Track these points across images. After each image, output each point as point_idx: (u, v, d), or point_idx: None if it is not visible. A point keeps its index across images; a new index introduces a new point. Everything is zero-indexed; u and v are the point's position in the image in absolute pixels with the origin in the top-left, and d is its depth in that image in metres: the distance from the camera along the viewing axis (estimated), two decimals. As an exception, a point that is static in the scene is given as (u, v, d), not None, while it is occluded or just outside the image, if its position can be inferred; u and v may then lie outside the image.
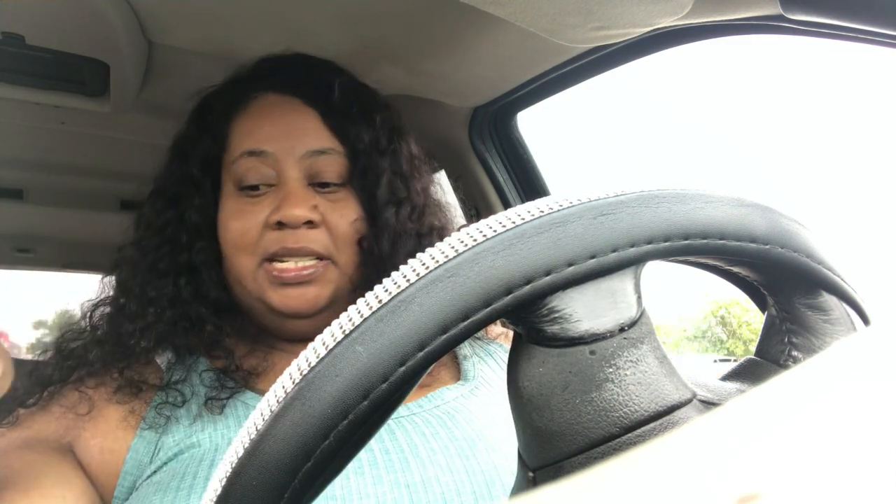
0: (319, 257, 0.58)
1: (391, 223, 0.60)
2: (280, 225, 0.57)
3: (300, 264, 0.57)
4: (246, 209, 0.59)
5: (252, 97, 0.62)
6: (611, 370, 0.22)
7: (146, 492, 0.49)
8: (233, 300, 0.62)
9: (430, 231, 0.63)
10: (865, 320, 0.27)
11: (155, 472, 0.51)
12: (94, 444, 0.52)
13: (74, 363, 0.56)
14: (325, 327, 0.63)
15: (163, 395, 0.55)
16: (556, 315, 0.22)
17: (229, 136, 0.62)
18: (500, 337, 0.74)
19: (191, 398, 0.56)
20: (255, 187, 0.59)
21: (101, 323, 0.60)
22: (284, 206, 0.56)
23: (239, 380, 0.58)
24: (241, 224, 0.58)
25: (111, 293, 0.62)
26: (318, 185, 0.60)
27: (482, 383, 0.63)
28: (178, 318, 0.58)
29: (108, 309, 0.60)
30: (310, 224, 0.57)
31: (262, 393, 0.58)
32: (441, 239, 0.70)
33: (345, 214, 0.59)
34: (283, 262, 0.57)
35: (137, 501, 0.49)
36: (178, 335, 0.58)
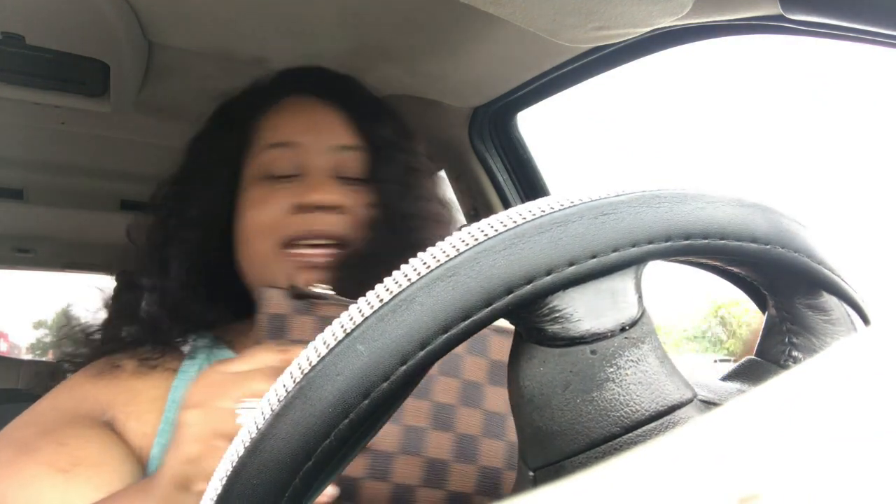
0: (338, 243, 0.59)
1: (408, 211, 0.62)
2: (304, 209, 0.59)
3: (322, 251, 0.59)
4: (269, 196, 0.61)
5: (277, 100, 0.66)
6: (612, 370, 0.22)
7: None
8: (236, 291, 0.64)
9: (436, 221, 0.66)
10: (865, 320, 0.27)
11: None
12: (130, 428, 0.54)
13: (108, 336, 0.59)
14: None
15: (181, 373, 0.58)
16: (557, 315, 0.22)
17: (254, 133, 0.65)
18: None
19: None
20: (279, 177, 0.62)
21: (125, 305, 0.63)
22: (316, 191, 0.59)
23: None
24: (263, 209, 0.60)
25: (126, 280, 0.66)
26: (341, 178, 0.62)
27: None
28: (183, 298, 0.61)
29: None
30: (337, 209, 0.59)
31: None
32: (444, 230, 0.72)
33: (365, 201, 0.61)
34: (304, 247, 0.59)
35: None
36: (188, 312, 0.60)
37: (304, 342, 0.34)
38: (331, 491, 0.42)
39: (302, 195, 0.59)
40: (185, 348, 0.61)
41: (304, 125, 0.64)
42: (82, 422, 0.52)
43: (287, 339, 0.45)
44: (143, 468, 0.53)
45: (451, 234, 0.21)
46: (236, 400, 0.39)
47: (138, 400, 0.55)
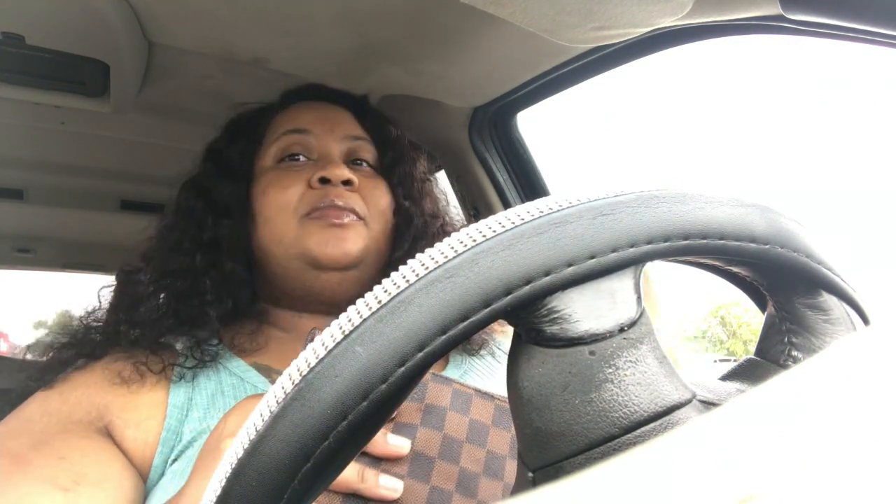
0: (357, 217, 0.63)
1: (419, 205, 0.68)
2: (323, 182, 0.62)
3: (346, 214, 0.62)
4: (287, 175, 0.64)
5: (287, 106, 0.72)
6: (610, 370, 0.22)
7: (168, 479, 0.50)
8: (251, 275, 0.66)
9: (441, 225, 0.71)
10: (865, 320, 0.27)
11: (175, 459, 0.51)
12: (128, 436, 0.52)
13: (101, 339, 0.58)
14: (348, 289, 0.65)
15: (177, 377, 0.56)
16: (556, 315, 0.22)
17: (267, 129, 0.69)
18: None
19: (201, 383, 0.57)
20: (296, 158, 0.66)
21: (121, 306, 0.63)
22: (328, 168, 0.62)
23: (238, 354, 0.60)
24: (282, 187, 0.63)
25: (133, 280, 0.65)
26: (354, 163, 0.68)
27: (469, 374, 0.63)
28: (188, 290, 0.61)
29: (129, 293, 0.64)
30: (349, 185, 0.63)
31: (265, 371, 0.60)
32: (447, 228, 0.74)
33: (378, 187, 0.66)
34: (325, 209, 0.61)
35: (161, 490, 0.49)
36: (187, 310, 0.60)
37: None
38: (398, 442, 0.42)
39: (319, 172, 0.63)
40: (180, 346, 0.60)
41: (317, 117, 0.69)
42: (78, 430, 0.49)
43: None
44: (143, 478, 0.51)
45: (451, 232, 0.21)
46: None
47: (136, 405, 0.53)
